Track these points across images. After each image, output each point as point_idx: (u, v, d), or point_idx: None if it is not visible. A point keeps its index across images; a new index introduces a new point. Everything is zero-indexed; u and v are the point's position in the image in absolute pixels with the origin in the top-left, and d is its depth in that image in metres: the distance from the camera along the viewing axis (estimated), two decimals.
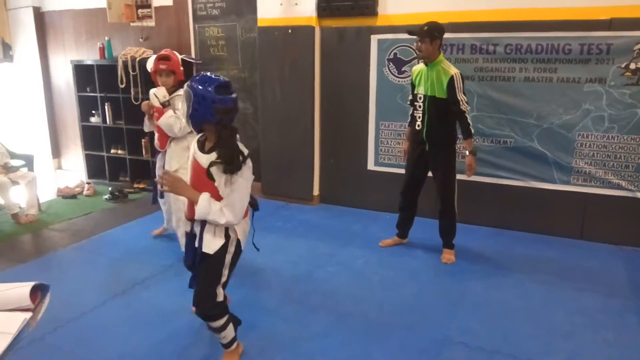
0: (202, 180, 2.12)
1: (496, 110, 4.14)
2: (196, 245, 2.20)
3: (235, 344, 2.42)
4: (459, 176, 3.70)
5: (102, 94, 5.62)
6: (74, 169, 6.48)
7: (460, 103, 3.36)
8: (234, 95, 2.08)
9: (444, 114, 3.44)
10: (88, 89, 5.74)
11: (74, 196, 5.37)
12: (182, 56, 5.15)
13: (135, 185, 5.63)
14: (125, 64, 5.31)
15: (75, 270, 3.59)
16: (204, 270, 2.25)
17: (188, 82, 2.09)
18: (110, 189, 5.35)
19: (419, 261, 3.69)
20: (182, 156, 3.49)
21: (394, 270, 3.53)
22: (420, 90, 3.51)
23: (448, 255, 3.70)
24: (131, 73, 5.28)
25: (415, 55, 4.33)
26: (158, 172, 3.60)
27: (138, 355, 2.54)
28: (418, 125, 3.54)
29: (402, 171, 4.61)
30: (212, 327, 2.30)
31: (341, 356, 2.52)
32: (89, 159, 5.99)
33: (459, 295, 3.19)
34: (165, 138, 3.57)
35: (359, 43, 4.55)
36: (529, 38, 3.91)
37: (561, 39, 3.82)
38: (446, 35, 4.17)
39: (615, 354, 2.55)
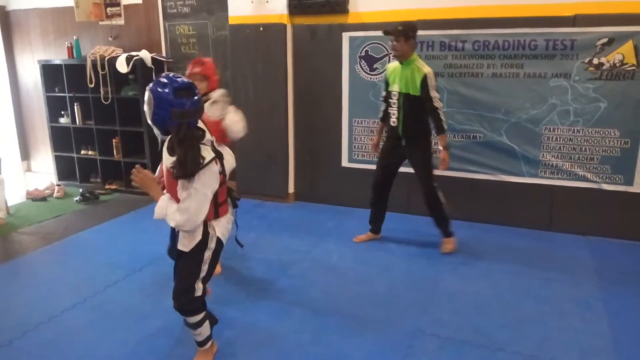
0: (169, 180, 2.13)
1: (465, 106, 4.21)
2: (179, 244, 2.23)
3: (209, 343, 2.42)
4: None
5: (71, 94, 5.51)
6: (43, 171, 6.34)
7: (433, 100, 3.45)
8: (195, 98, 2.01)
9: (418, 111, 3.53)
10: (57, 89, 5.62)
11: (43, 198, 5.25)
12: (152, 55, 5.14)
13: (107, 187, 5.54)
14: (94, 63, 5.22)
15: (45, 274, 3.52)
16: (182, 266, 2.25)
17: (149, 85, 2.04)
18: (81, 190, 5.25)
19: (392, 255, 3.74)
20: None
21: (368, 265, 3.56)
22: (395, 88, 3.57)
23: (447, 245, 3.76)
24: (100, 72, 5.20)
25: (386, 52, 4.38)
26: None
27: (111, 357, 2.51)
28: (394, 122, 3.61)
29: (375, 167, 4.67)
30: (189, 323, 2.29)
31: (315, 351, 2.54)
32: (58, 161, 5.87)
33: (431, 287, 3.24)
34: None
35: (331, 40, 4.57)
36: (496, 35, 3.99)
37: (527, 35, 3.91)
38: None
39: (583, 340, 2.63)
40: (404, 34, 3.44)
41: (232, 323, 2.80)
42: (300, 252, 3.79)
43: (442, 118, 3.50)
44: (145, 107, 2.05)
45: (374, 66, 4.47)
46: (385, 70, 3.78)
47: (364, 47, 4.47)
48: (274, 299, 3.09)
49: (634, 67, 3.71)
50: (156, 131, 2.12)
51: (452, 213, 3.79)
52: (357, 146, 4.72)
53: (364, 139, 4.68)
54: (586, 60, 3.82)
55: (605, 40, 3.74)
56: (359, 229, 4.20)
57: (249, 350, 2.55)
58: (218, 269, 3.44)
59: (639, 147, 3.83)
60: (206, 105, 3.18)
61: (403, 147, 3.65)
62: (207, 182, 2.06)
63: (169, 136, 2.13)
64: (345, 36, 4.51)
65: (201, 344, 2.39)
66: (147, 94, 2.02)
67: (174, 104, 1.96)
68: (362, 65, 4.52)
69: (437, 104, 3.47)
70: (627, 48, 3.70)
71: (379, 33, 4.33)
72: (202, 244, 2.20)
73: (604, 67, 3.78)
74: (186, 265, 2.24)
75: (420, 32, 4.20)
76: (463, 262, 3.60)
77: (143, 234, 4.21)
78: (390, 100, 3.63)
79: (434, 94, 3.45)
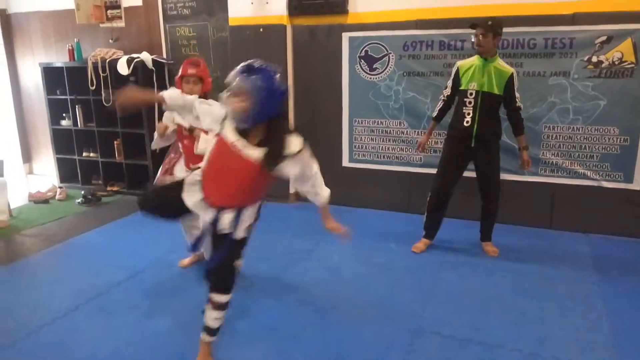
0: (250, 174, 2.14)
1: None
2: (225, 230, 2.22)
3: (216, 337, 2.41)
4: (431, 170, 3.76)
5: (72, 97, 5.53)
6: (45, 174, 6.36)
7: (518, 100, 3.39)
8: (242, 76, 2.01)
9: (495, 111, 3.44)
10: (58, 92, 5.64)
11: (46, 201, 5.28)
12: (153, 57, 5.16)
13: (109, 188, 5.56)
14: (95, 65, 5.24)
15: (48, 275, 3.54)
16: (228, 244, 2.25)
17: (246, 74, 1.97)
18: (83, 192, 5.27)
19: (393, 255, 3.75)
20: None
21: (369, 265, 3.58)
22: (472, 86, 3.41)
23: (492, 248, 3.73)
24: (101, 74, 5.22)
25: (386, 52, 4.40)
26: None
27: (115, 358, 2.52)
28: (467, 122, 3.43)
29: (376, 167, 4.70)
30: (218, 303, 2.29)
31: (317, 351, 2.55)
32: (60, 163, 5.90)
33: (432, 286, 3.25)
34: (200, 159, 3.12)
35: (331, 41, 4.58)
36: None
37: (526, 33, 3.92)
38: (415, 32, 4.28)
39: (583, 337, 2.64)
40: (493, 30, 3.30)
41: (233, 321, 2.82)
42: (302, 252, 3.80)
43: (523, 118, 3.48)
44: (244, 96, 1.97)
45: (374, 66, 4.48)
46: (456, 67, 3.52)
47: (364, 47, 4.48)
48: (276, 297, 3.11)
49: (632, 65, 3.72)
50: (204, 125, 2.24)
51: (452, 212, 3.80)
52: (357, 146, 4.74)
53: (364, 138, 4.69)
54: (585, 59, 3.83)
55: (604, 38, 3.75)
56: (360, 229, 4.20)
57: (251, 348, 2.57)
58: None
59: (638, 144, 3.84)
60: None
61: (472, 148, 3.48)
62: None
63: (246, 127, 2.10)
64: (345, 36, 4.52)
65: (214, 332, 2.37)
66: (249, 83, 1.96)
67: (285, 91, 1.99)
68: (362, 65, 4.53)
69: (520, 104, 3.42)
70: (626, 46, 3.71)
71: (379, 33, 4.39)
72: (250, 228, 2.29)
73: (603, 65, 3.80)
74: (234, 245, 2.27)
75: (419, 32, 4.25)
76: (464, 261, 3.61)
77: (145, 236, 4.23)
78: (465, 99, 3.44)
79: (517, 93, 3.39)
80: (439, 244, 3.85)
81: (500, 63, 3.38)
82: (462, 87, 3.46)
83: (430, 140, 4.36)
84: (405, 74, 4.38)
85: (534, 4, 3.88)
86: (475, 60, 3.42)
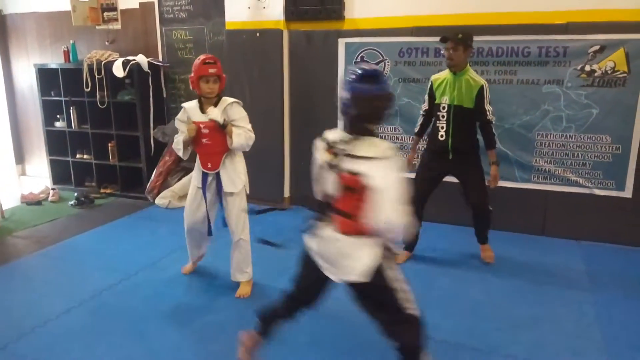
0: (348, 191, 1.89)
1: None
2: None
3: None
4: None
5: (67, 98, 5.51)
6: (38, 175, 6.33)
7: (488, 113, 3.34)
8: (384, 85, 1.89)
9: (469, 124, 3.40)
10: (52, 93, 5.62)
11: (38, 202, 5.25)
12: (148, 59, 5.16)
13: (102, 191, 5.54)
14: (90, 67, 5.23)
15: (40, 278, 3.52)
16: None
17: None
18: (76, 194, 5.25)
19: None
20: (242, 173, 3.20)
21: None
22: (444, 100, 3.39)
23: (489, 252, 3.70)
24: (97, 76, 5.20)
25: (381, 58, 4.42)
26: (207, 196, 3.19)
27: None
28: (442, 136, 3.41)
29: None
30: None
31: (312, 354, 2.56)
32: (53, 165, 5.87)
33: (426, 291, 3.25)
34: (220, 156, 3.09)
35: (327, 46, 4.60)
36: (490, 42, 4.03)
37: (520, 42, 3.96)
38: (411, 39, 4.31)
39: (574, 343, 2.66)
40: (464, 43, 3.27)
41: (228, 326, 2.81)
42: (295, 257, 3.79)
43: (494, 132, 3.42)
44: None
45: None
46: (430, 81, 3.52)
47: (360, 53, 4.51)
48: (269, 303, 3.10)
49: (625, 74, 3.77)
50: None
51: (446, 218, 3.82)
52: None
53: None
54: (578, 67, 3.88)
55: (597, 47, 3.80)
56: None
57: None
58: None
59: (630, 152, 3.88)
60: (228, 111, 3.05)
61: (449, 160, 3.44)
62: None
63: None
64: (341, 42, 4.55)
65: None
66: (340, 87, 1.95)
67: (356, 88, 1.89)
68: None
69: (491, 117, 3.36)
70: (619, 55, 3.76)
71: (375, 39, 4.41)
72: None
73: (596, 74, 3.84)
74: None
75: (415, 39, 4.28)
76: (457, 266, 3.63)
77: (138, 238, 4.22)
78: (438, 113, 3.43)
79: (488, 106, 3.34)
80: (433, 250, 3.87)
81: (471, 75, 3.34)
82: (436, 101, 3.45)
83: (425, 146, 4.40)
84: (400, 80, 4.41)
85: (528, 13, 3.92)
86: (446, 74, 3.41)
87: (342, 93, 1.91)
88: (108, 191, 5.55)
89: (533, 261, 3.72)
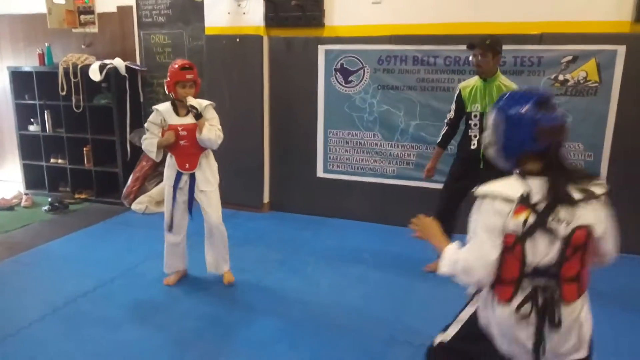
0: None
1: (438, 119, 4.29)
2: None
3: None
4: (404, 182, 3.79)
5: (41, 102, 5.40)
6: (11, 180, 6.17)
7: None
8: (560, 111, 1.54)
9: None
10: (26, 97, 5.50)
11: (11, 208, 5.12)
12: (126, 63, 5.10)
13: (77, 196, 5.44)
14: (66, 70, 5.14)
15: (12, 285, 3.42)
16: None
17: (495, 106, 1.61)
18: (49, 199, 5.13)
19: (366, 265, 3.78)
20: (214, 173, 3.34)
21: (343, 275, 3.59)
22: (475, 108, 3.27)
23: None
24: (72, 80, 5.12)
25: (361, 66, 4.47)
26: (181, 196, 3.27)
27: None
28: (474, 145, 3.28)
29: (351, 178, 4.75)
30: None
31: None
32: (27, 169, 5.73)
33: (404, 296, 3.29)
34: (197, 156, 3.21)
35: (307, 53, 4.63)
36: (467, 51, 4.07)
37: None
38: (390, 47, 4.37)
39: None
40: (492, 49, 3.13)
41: (206, 333, 2.78)
42: (275, 262, 3.79)
43: None
44: (490, 132, 1.61)
45: (349, 79, 4.54)
46: (458, 89, 3.40)
47: (339, 60, 4.54)
48: (249, 309, 3.09)
49: (596, 84, 3.89)
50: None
51: None
52: (332, 157, 4.78)
53: (339, 149, 4.73)
54: (552, 77, 3.98)
55: (569, 58, 3.91)
56: (334, 239, 4.24)
57: None
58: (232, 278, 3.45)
59: (601, 159, 4.00)
60: (205, 110, 3.16)
61: (480, 170, 3.22)
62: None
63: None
64: (321, 49, 4.57)
65: None
66: (493, 118, 1.58)
67: (539, 119, 1.48)
68: (338, 78, 4.59)
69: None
70: (590, 66, 3.88)
71: (354, 47, 4.46)
72: None
73: (569, 84, 3.95)
74: None
75: (394, 47, 4.33)
76: (435, 271, 3.66)
77: (114, 244, 4.15)
78: (470, 122, 3.32)
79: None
80: (413, 255, 3.90)
81: (502, 81, 3.21)
82: (467, 110, 3.34)
83: (405, 152, 4.46)
84: (379, 87, 4.46)
85: (504, 23, 4.01)
86: (476, 80, 3.30)
87: (502, 124, 1.54)
88: (83, 196, 5.45)
89: None
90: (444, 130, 3.53)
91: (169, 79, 3.06)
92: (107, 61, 5.08)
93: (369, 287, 3.41)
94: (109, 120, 5.17)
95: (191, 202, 3.31)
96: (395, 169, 4.56)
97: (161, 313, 3.01)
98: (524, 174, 1.52)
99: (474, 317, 1.71)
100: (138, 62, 5.34)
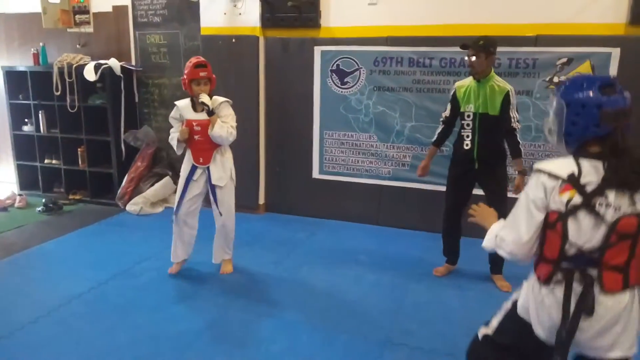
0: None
1: (433, 120, 4.30)
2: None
3: None
4: (400, 183, 3.79)
5: (35, 102, 5.37)
6: (5, 181, 6.12)
7: (513, 120, 3.20)
8: (626, 95, 1.51)
9: (495, 132, 3.25)
10: (21, 97, 5.47)
11: (4, 209, 5.09)
12: (121, 63, 5.08)
13: (71, 197, 5.41)
14: (61, 70, 5.12)
15: (6, 286, 3.40)
16: None
17: (555, 92, 1.60)
18: (44, 200, 5.10)
19: (362, 266, 3.77)
20: (227, 170, 3.42)
21: (338, 277, 3.59)
22: (469, 108, 3.28)
23: (504, 282, 3.47)
24: (67, 80, 5.09)
25: (357, 67, 4.47)
26: (194, 188, 3.40)
27: None
28: (467, 145, 3.31)
29: (346, 179, 4.75)
30: None
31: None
32: (21, 170, 5.70)
33: (400, 298, 3.29)
34: (211, 151, 3.34)
35: (303, 54, 4.63)
36: (462, 52, 4.06)
37: None
38: (386, 48, 4.37)
39: None
40: (485, 50, 3.14)
41: (203, 334, 2.77)
42: (271, 264, 3.79)
43: (519, 140, 3.27)
44: (552, 120, 1.59)
45: (345, 80, 4.54)
46: (454, 89, 3.41)
47: (335, 61, 4.54)
48: (244, 310, 3.08)
49: None
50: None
51: (418, 225, 3.85)
52: (327, 158, 4.77)
53: (334, 151, 4.73)
54: (547, 79, 4.00)
55: (564, 60, 3.93)
56: (330, 241, 4.24)
57: None
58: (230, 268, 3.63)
59: None
60: (220, 108, 3.32)
61: (476, 170, 3.33)
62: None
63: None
64: (317, 50, 4.57)
65: None
66: (557, 102, 1.56)
67: (603, 102, 1.47)
68: (334, 79, 4.59)
69: (517, 125, 3.21)
70: (585, 68, 3.89)
71: (350, 48, 4.46)
72: None
73: None
74: None
75: (390, 48, 4.34)
76: (430, 272, 3.67)
77: (108, 246, 4.13)
78: (463, 122, 3.33)
79: (514, 113, 3.19)
80: (409, 257, 3.91)
81: (496, 81, 3.22)
82: (460, 109, 3.34)
83: (400, 154, 4.47)
84: (375, 88, 4.46)
85: (499, 25, 4.02)
86: (470, 81, 3.31)
87: (565, 109, 1.52)
88: (77, 197, 5.42)
89: (505, 266, 3.78)
90: (439, 129, 3.54)
91: (185, 76, 3.23)
92: (102, 61, 5.06)
93: (364, 289, 3.41)
94: (104, 121, 5.15)
95: (213, 195, 3.42)
96: (390, 170, 4.57)
97: (157, 315, 2.99)
98: (579, 156, 1.50)
99: (515, 307, 1.69)
100: (133, 63, 5.32)
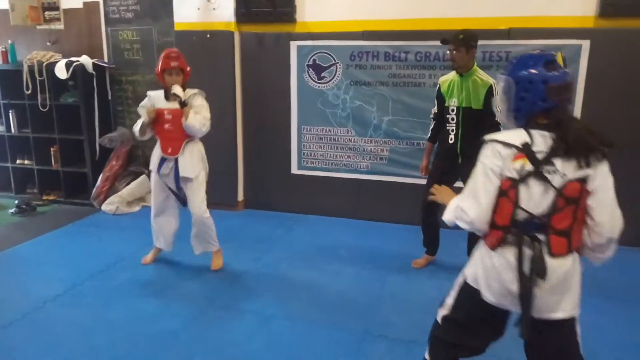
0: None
1: (409, 114, 4.35)
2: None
3: None
4: (378, 177, 3.81)
5: (5, 101, 5.23)
6: None
7: (496, 115, 3.15)
8: (567, 71, 1.64)
9: (479, 126, 3.19)
10: None
11: None
12: (93, 60, 4.98)
13: (45, 198, 5.30)
14: (31, 68, 4.99)
15: None
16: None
17: (503, 71, 1.69)
18: (16, 202, 4.98)
19: (341, 260, 3.79)
20: (200, 161, 3.40)
21: (318, 271, 3.60)
22: (452, 102, 3.29)
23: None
24: (38, 78, 4.97)
25: (333, 62, 4.46)
26: (163, 179, 3.41)
27: None
28: (451, 139, 3.31)
29: (325, 174, 4.76)
30: None
31: (267, 359, 2.54)
32: None
33: (379, 290, 3.31)
34: (180, 142, 3.31)
35: (279, 49, 4.60)
36: (437, 46, 4.11)
37: None
38: (362, 42, 4.38)
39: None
40: (465, 43, 3.14)
41: (180, 332, 2.75)
42: (250, 260, 3.77)
43: None
44: (502, 98, 1.68)
45: (322, 75, 4.54)
46: (438, 84, 3.43)
47: (312, 56, 4.53)
48: (224, 307, 3.06)
49: None
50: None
51: (397, 218, 3.87)
52: (306, 153, 4.77)
53: (313, 146, 4.73)
54: None
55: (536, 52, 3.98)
56: (309, 236, 4.24)
57: (201, 358, 2.52)
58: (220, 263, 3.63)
59: None
60: (192, 98, 3.32)
61: (459, 165, 3.33)
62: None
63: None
64: (293, 45, 4.55)
65: None
66: (505, 80, 1.65)
67: (549, 78, 1.57)
68: (310, 74, 4.58)
69: (500, 118, 3.05)
70: (557, 60, 3.95)
71: (326, 42, 4.45)
72: None
73: None
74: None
75: (365, 43, 4.34)
76: (409, 265, 3.70)
77: (84, 246, 4.06)
78: (448, 116, 3.33)
79: (497, 107, 3.23)
80: (387, 249, 3.93)
81: (479, 75, 3.22)
82: (445, 104, 3.35)
83: (378, 148, 4.49)
84: (352, 83, 4.47)
85: (472, 19, 4.06)
86: (453, 75, 3.31)
87: (514, 87, 1.61)
88: (51, 198, 5.31)
89: None
90: (432, 125, 3.54)
91: (158, 67, 3.25)
92: (73, 58, 4.95)
93: (344, 282, 3.43)
94: (77, 120, 5.05)
95: (179, 189, 3.40)
96: (369, 164, 4.59)
97: (134, 315, 2.96)
98: (529, 128, 1.59)
99: (465, 279, 1.77)
100: (106, 59, 5.23)
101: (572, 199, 1.51)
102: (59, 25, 5.32)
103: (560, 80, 1.58)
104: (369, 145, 4.55)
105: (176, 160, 3.33)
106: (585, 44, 3.89)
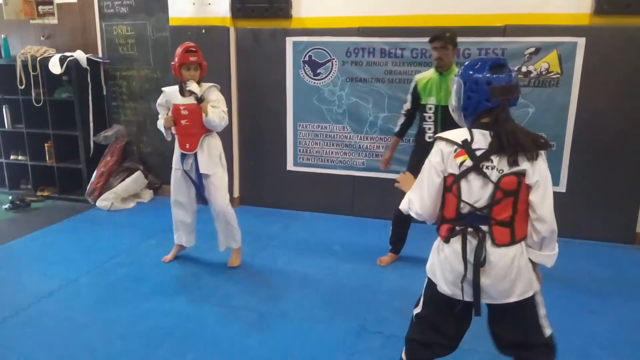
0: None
1: None
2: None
3: None
4: (374, 174, 3.81)
5: None
6: None
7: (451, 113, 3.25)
8: (512, 74, 1.74)
9: (457, 124, 3.28)
10: None
11: None
12: (87, 55, 4.95)
13: (39, 193, 5.27)
14: (24, 63, 4.95)
15: None
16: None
17: (457, 72, 1.80)
18: (10, 197, 4.96)
19: (337, 257, 3.80)
20: (215, 157, 3.39)
21: (313, 267, 3.60)
22: (431, 100, 3.29)
23: None
24: (32, 73, 4.94)
25: (329, 58, 4.45)
26: (181, 174, 3.42)
27: None
28: (429, 137, 3.31)
29: (320, 171, 4.75)
30: None
31: (262, 354, 2.54)
32: None
33: (375, 287, 3.32)
34: (198, 137, 3.30)
35: (275, 45, 4.58)
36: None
37: (461, 44, 4.01)
38: (358, 39, 4.37)
39: None
40: (452, 42, 3.19)
41: (174, 329, 2.75)
42: (246, 256, 3.77)
43: None
44: (453, 98, 1.80)
45: (318, 71, 4.53)
46: (415, 81, 3.41)
47: (308, 52, 4.52)
48: (219, 304, 3.06)
49: (558, 75, 3.99)
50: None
51: (388, 214, 3.85)
52: (302, 150, 4.76)
53: (308, 142, 4.72)
54: (515, 68, 4.05)
55: (532, 49, 3.99)
56: (304, 232, 4.24)
57: (195, 357, 2.51)
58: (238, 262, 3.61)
59: (563, 149, 4.11)
60: (208, 92, 3.30)
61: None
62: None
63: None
64: (289, 41, 4.54)
65: None
66: (456, 81, 1.76)
67: (492, 80, 1.68)
68: (306, 70, 4.57)
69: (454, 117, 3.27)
70: (552, 57, 3.97)
71: (322, 38, 4.44)
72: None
73: (532, 75, 4.04)
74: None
75: (361, 39, 4.34)
76: (405, 261, 3.71)
77: (78, 242, 4.05)
78: (425, 114, 3.34)
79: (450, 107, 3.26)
80: (382, 245, 3.93)
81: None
82: (421, 102, 3.36)
83: (374, 144, 4.48)
84: (348, 79, 4.46)
85: (469, 16, 4.06)
86: (432, 73, 3.32)
87: (463, 87, 1.72)
88: (45, 194, 5.28)
89: None
90: (402, 120, 3.56)
91: (175, 61, 3.20)
92: (67, 53, 4.92)
93: (339, 279, 3.43)
94: (71, 115, 5.02)
95: (201, 185, 3.39)
96: (364, 161, 4.59)
97: (128, 312, 2.95)
98: (472, 127, 1.73)
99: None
100: (100, 55, 5.19)
101: (510, 191, 1.63)
102: (53, 20, 5.27)
103: (502, 81, 1.68)
104: (365, 142, 4.54)
105: (195, 156, 3.33)
106: (581, 41, 3.89)
